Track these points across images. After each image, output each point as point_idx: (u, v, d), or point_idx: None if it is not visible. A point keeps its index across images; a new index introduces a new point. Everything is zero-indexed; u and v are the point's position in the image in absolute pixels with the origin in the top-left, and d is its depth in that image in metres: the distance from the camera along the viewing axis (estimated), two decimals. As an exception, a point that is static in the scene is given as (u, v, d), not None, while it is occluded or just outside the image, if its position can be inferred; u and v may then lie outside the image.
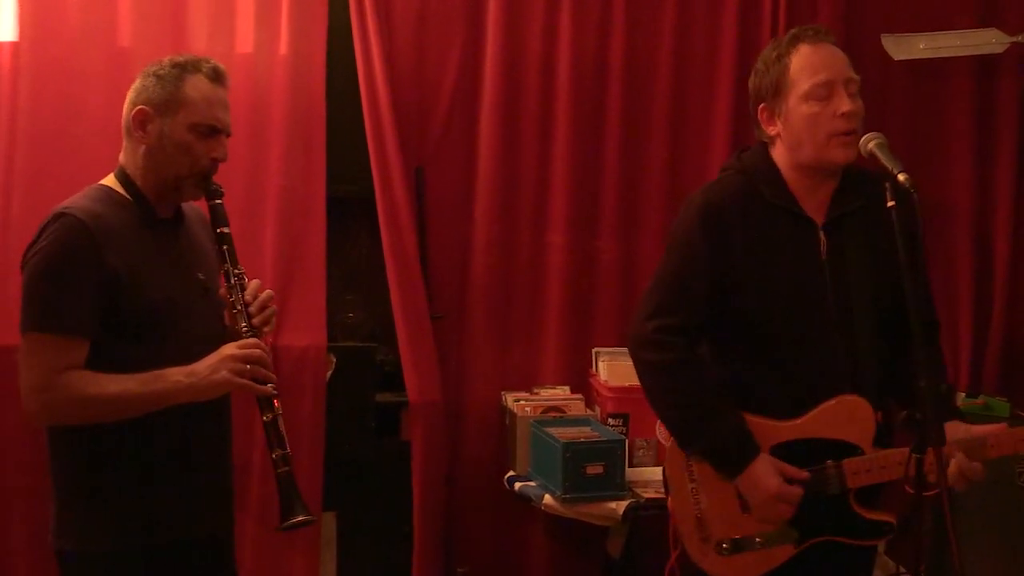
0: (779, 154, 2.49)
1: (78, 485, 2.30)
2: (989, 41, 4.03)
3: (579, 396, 3.84)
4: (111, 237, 2.25)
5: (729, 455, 2.42)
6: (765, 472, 2.39)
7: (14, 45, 3.52)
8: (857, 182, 2.48)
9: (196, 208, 2.50)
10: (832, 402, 2.41)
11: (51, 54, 3.52)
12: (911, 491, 2.12)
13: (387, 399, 3.93)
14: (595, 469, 3.38)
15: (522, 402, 3.74)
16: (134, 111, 2.34)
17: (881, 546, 3.39)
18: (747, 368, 2.48)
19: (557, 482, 3.37)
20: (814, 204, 2.46)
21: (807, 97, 2.39)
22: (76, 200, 2.30)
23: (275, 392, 2.31)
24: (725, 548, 2.47)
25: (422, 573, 3.76)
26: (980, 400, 3.90)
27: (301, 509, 2.28)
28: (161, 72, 2.35)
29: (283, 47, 3.69)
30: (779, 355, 2.44)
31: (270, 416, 2.29)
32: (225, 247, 2.38)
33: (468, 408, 3.94)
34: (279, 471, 2.29)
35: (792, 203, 2.45)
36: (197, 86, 2.34)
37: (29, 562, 3.52)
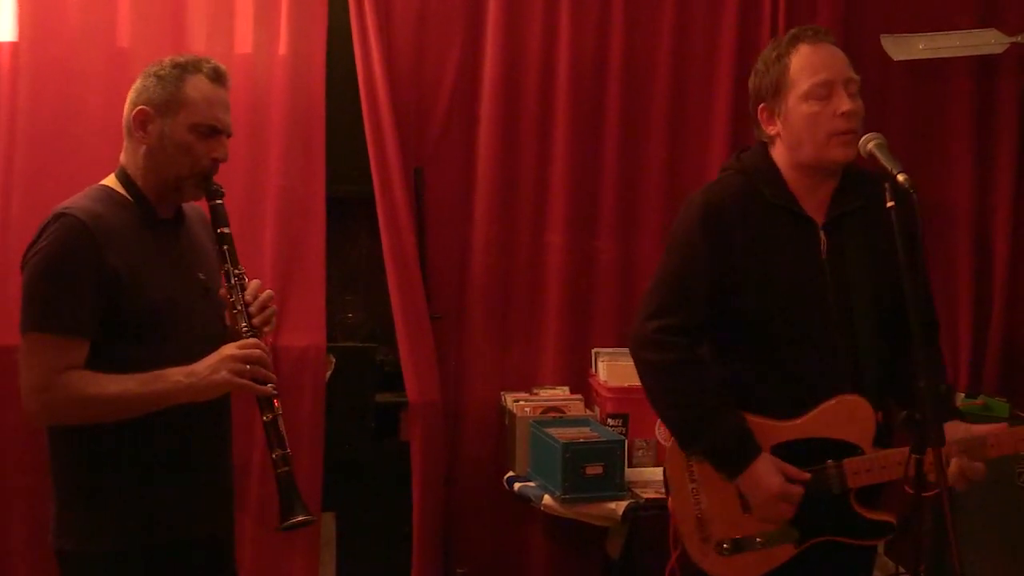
0: (779, 154, 2.49)
1: (78, 485, 2.30)
2: (988, 42, 4.03)
3: (578, 396, 3.84)
4: (111, 237, 2.24)
5: (730, 455, 2.42)
6: (766, 471, 2.39)
7: (13, 45, 3.52)
8: (857, 182, 2.48)
9: (197, 208, 2.50)
10: (832, 402, 2.41)
11: (50, 54, 3.52)
12: (911, 491, 2.12)
13: (386, 399, 3.93)
14: (594, 469, 3.38)
15: (521, 402, 3.74)
16: (135, 111, 2.34)
17: (880, 546, 3.39)
18: (747, 368, 2.48)
19: (556, 482, 3.37)
20: (814, 204, 2.46)
21: (807, 97, 2.39)
22: (76, 200, 2.30)
23: (275, 392, 2.30)
24: (726, 548, 2.47)
25: (421, 573, 3.76)
26: (979, 400, 3.90)
27: (301, 509, 2.28)
28: (162, 72, 2.35)
29: (282, 47, 3.69)
30: (779, 355, 2.44)
31: (270, 416, 2.29)
32: (225, 247, 2.37)
33: (467, 408, 3.94)
34: (279, 471, 2.28)
35: (792, 203, 2.45)
36: (198, 86, 2.34)
37: (29, 562, 3.52)
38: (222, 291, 2.37)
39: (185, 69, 2.35)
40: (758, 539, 2.45)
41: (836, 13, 4.03)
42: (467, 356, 3.95)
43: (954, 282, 4.17)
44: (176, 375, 2.23)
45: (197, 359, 2.25)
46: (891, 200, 2.14)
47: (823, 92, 2.39)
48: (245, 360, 2.25)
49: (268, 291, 2.41)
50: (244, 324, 2.32)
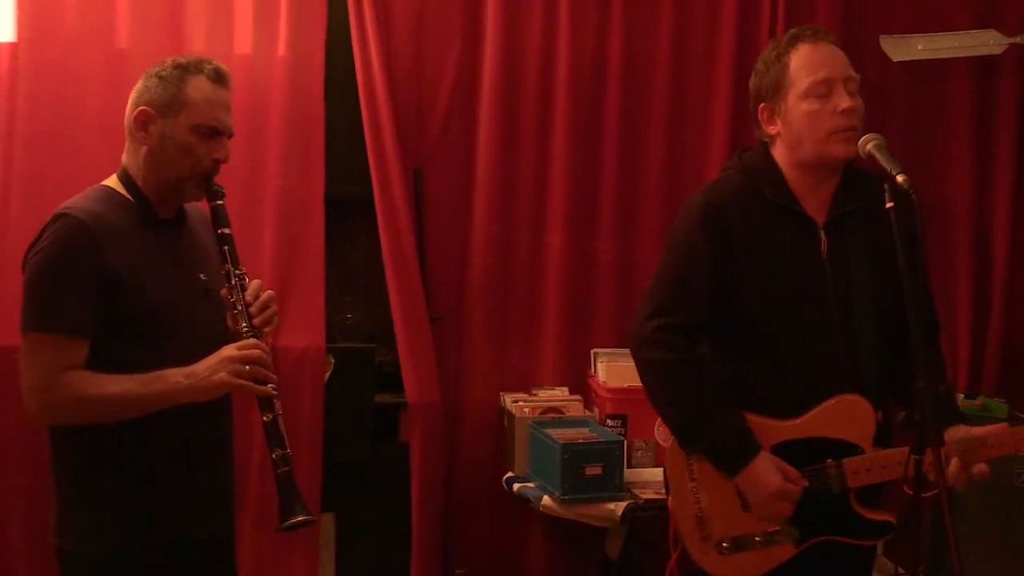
0: (780, 153, 2.49)
1: (79, 485, 2.30)
2: (987, 42, 4.03)
3: (578, 397, 3.84)
4: (111, 237, 2.25)
5: (729, 453, 2.42)
6: (765, 470, 2.39)
7: (12, 46, 3.52)
8: (858, 182, 2.48)
9: (199, 208, 2.50)
10: (832, 401, 2.41)
11: (49, 55, 3.52)
12: (910, 492, 2.12)
13: (386, 400, 3.93)
14: (594, 470, 3.37)
15: (521, 403, 3.74)
16: (136, 112, 2.34)
17: (880, 547, 3.39)
18: (748, 368, 2.48)
19: (555, 483, 3.37)
20: (815, 203, 2.47)
21: (806, 95, 2.40)
22: (77, 201, 2.30)
23: (275, 392, 2.30)
24: (725, 547, 2.47)
25: (420, 574, 3.76)
26: (979, 401, 3.90)
27: (301, 509, 2.28)
28: (163, 73, 2.35)
29: (282, 48, 3.69)
30: (780, 355, 2.44)
31: (270, 416, 2.29)
32: (226, 248, 2.37)
33: (467, 409, 3.94)
34: (279, 471, 2.28)
35: (793, 202, 2.46)
36: (199, 87, 2.34)
37: (29, 562, 3.52)
38: (223, 291, 2.37)
39: (186, 70, 2.35)
40: (757, 538, 2.45)
41: (835, 13, 4.03)
42: (466, 357, 3.95)
43: (953, 282, 4.18)
44: (176, 376, 2.23)
45: (198, 359, 2.25)
46: (890, 201, 2.14)
47: (823, 90, 2.39)
48: (244, 361, 2.25)
49: (269, 291, 2.41)
50: (245, 324, 2.32)
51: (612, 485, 3.39)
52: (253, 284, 2.39)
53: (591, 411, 3.80)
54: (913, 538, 2.25)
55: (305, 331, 3.70)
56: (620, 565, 3.71)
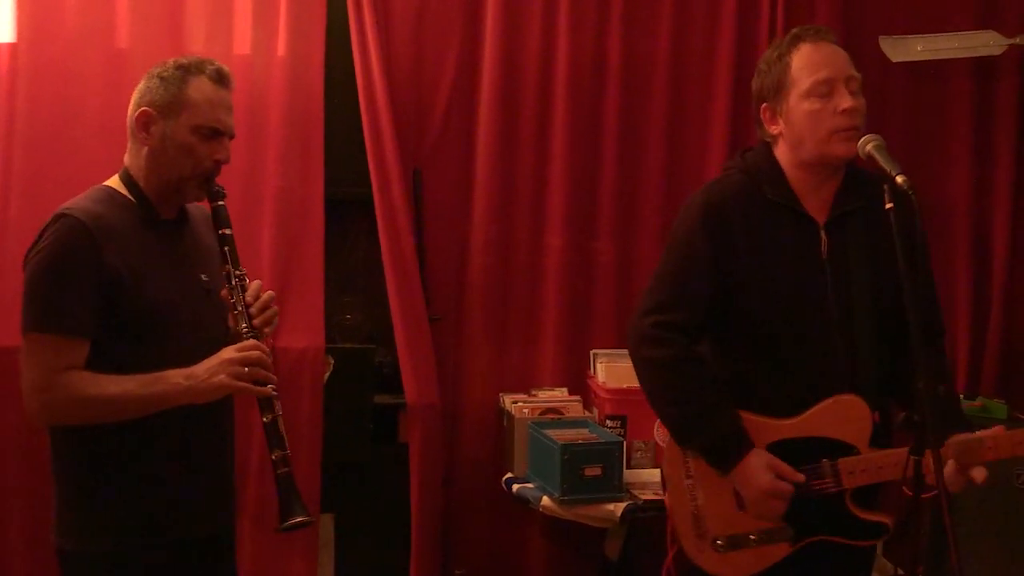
0: (782, 153, 2.49)
1: (79, 485, 2.31)
2: (987, 43, 4.03)
3: (577, 398, 3.84)
4: (112, 237, 2.25)
5: (721, 450, 2.43)
6: (757, 467, 2.39)
7: (12, 46, 3.51)
8: (860, 183, 2.49)
9: (202, 209, 2.50)
10: (829, 401, 2.41)
11: (49, 55, 3.52)
12: (909, 493, 2.12)
13: (385, 401, 3.93)
14: (593, 471, 3.37)
15: (520, 404, 3.73)
16: (137, 112, 2.34)
17: (879, 547, 3.39)
18: (749, 367, 2.48)
19: (555, 484, 3.37)
20: (817, 203, 2.47)
21: (808, 94, 2.40)
22: (78, 201, 2.31)
23: (275, 393, 2.30)
24: (720, 545, 2.47)
25: (420, 575, 3.76)
26: (978, 402, 3.89)
27: (300, 510, 2.28)
28: (165, 74, 2.35)
29: (281, 48, 3.69)
30: (780, 354, 2.44)
31: (270, 417, 2.29)
32: (227, 248, 2.38)
33: (466, 410, 3.94)
34: (279, 472, 2.28)
35: (794, 202, 2.46)
36: (200, 88, 2.34)
37: (29, 562, 3.52)
38: (223, 292, 2.37)
39: (188, 71, 2.35)
40: (752, 536, 2.46)
41: (834, 14, 4.03)
42: (466, 358, 3.94)
43: (953, 283, 4.18)
44: (176, 377, 2.23)
45: (199, 360, 2.25)
46: (890, 201, 2.14)
47: (824, 90, 2.39)
48: (244, 363, 2.25)
49: (269, 292, 2.41)
50: (245, 325, 2.32)
51: (611, 486, 3.39)
52: (253, 285, 2.39)
53: (590, 412, 3.79)
54: (912, 539, 2.25)
55: (304, 332, 3.69)
56: (619, 566, 3.71)
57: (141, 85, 2.38)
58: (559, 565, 3.97)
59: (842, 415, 2.42)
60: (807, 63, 2.42)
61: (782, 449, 2.43)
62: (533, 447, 3.57)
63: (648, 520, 3.34)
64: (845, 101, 2.38)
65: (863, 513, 2.45)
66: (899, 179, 2.12)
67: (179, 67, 2.36)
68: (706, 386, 2.46)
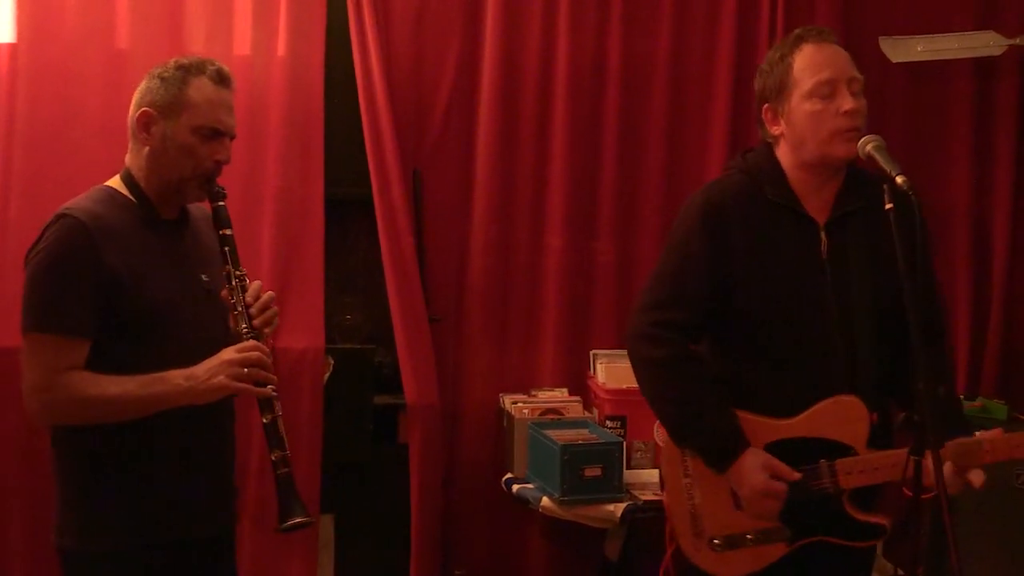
0: (784, 154, 2.49)
1: (80, 484, 2.31)
2: (987, 43, 4.03)
3: (577, 398, 3.84)
4: (112, 238, 2.25)
5: (717, 450, 2.43)
6: (752, 467, 2.39)
7: (12, 47, 3.51)
8: (860, 183, 2.49)
9: (204, 209, 2.49)
10: (828, 402, 2.41)
11: (49, 56, 3.52)
12: (909, 493, 2.12)
13: (385, 401, 3.92)
14: (593, 471, 3.37)
15: (520, 404, 3.73)
16: (138, 113, 2.34)
17: (879, 548, 3.39)
18: (748, 367, 2.48)
19: (555, 484, 3.37)
20: (817, 204, 2.47)
21: (810, 95, 2.40)
22: (78, 201, 2.31)
23: (275, 394, 2.30)
24: (717, 544, 2.48)
25: (420, 575, 3.76)
26: (978, 403, 3.89)
27: (300, 510, 2.28)
28: (165, 74, 2.35)
29: (281, 48, 3.69)
30: (779, 354, 2.44)
31: (270, 417, 2.29)
32: (227, 248, 2.38)
33: (466, 410, 3.94)
34: (279, 472, 2.28)
35: (794, 202, 2.46)
36: (201, 88, 2.34)
37: (29, 561, 3.52)
38: (223, 292, 2.37)
39: (189, 71, 2.35)
40: (749, 536, 2.46)
41: (835, 14, 4.03)
42: (465, 358, 3.94)
43: (953, 283, 4.17)
44: (176, 378, 2.23)
45: (200, 360, 2.25)
46: (890, 202, 2.14)
47: (826, 91, 2.39)
48: (244, 364, 2.25)
49: (270, 292, 2.41)
50: (245, 326, 2.32)
51: (611, 486, 3.39)
52: (254, 285, 2.39)
53: (590, 412, 3.79)
54: (912, 539, 2.25)
55: (304, 332, 3.69)
56: (619, 566, 3.71)
57: (142, 85, 2.38)
58: (559, 565, 3.97)
59: (841, 416, 2.42)
60: (809, 64, 2.42)
61: (781, 449, 2.43)
62: (533, 447, 3.57)
63: (648, 520, 3.34)
64: (847, 102, 2.38)
65: (860, 514, 2.45)
66: (899, 179, 2.12)
67: (180, 67, 2.36)
68: (704, 386, 2.46)
